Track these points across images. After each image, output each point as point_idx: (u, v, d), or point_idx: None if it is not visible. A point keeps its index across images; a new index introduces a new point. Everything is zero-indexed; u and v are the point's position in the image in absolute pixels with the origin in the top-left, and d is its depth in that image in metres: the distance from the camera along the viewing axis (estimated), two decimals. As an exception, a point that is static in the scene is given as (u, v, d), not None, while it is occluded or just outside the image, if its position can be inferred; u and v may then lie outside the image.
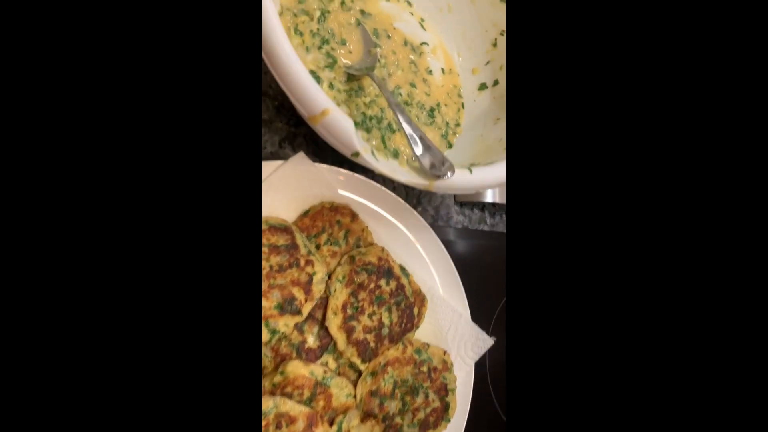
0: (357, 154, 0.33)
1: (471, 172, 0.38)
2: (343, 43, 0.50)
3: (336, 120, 0.32)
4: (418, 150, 0.37)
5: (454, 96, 0.58)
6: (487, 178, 0.38)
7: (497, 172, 0.39)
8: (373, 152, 0.35)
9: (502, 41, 0.56)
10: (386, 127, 0.50)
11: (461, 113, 0.58)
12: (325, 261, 0.43)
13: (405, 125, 0.38)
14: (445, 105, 0.57)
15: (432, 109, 0.55)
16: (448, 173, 0.35)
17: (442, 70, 0.58)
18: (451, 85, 0.59)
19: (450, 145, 0.55)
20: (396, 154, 0.50)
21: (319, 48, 0.47)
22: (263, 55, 0.32)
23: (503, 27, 0.56)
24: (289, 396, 0.37)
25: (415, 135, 0.38)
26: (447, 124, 0.56)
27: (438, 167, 0.36)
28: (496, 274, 0.58)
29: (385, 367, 0.42)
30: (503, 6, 0.54)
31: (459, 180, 0.37)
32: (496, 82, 0.57)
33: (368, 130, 0.48)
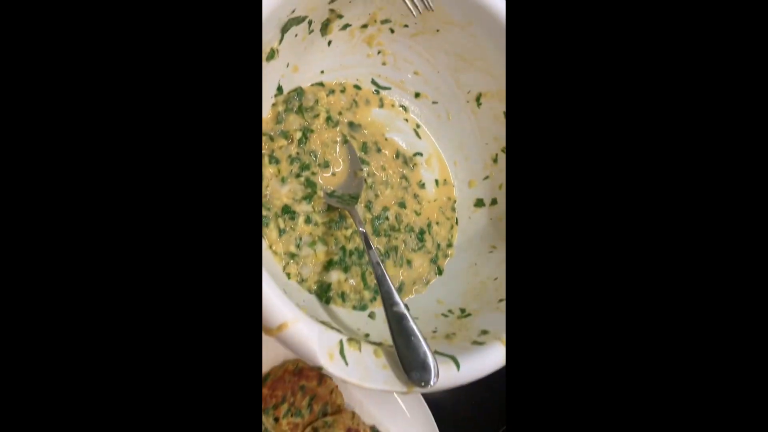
0: (320, 368, 0.28)
1: (458, 368, 0.32)
2: (326, 165, 0.44)
3: (295, 336, 0.26)
4: (400, 342, 0.31)
5: (447, 210, 0.53)
6: (477, 371, 0.33)
7: (491, 359, 0.33)
8: (342, 351, 0.30)
9: (502, 159, 0.52)
10: (367, 263, 0.44)
11: (454, 231, 0.53)
12: (284, 437, 0.37)
13: (388, 303, 0.33)
14: (437, 223, 0.51)
15: (422, 231, 0.49)
16: (432, 381, 0.30)
17: (436, 181, 0.53)
18: (445, 197, 0.54)
19: (440, 271, 0.50)
20: (377, 292, 0.44)
21: (298, 176, 0.42)
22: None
23: (504, 144, 0.51)
24: None
25: (398, 313, 0.33)
26: (438, 246, 0.50)
27: (419, 371, 0.30)
28: (486, 413, 0.52)
29: None
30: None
31: (444, 382, 0.31)
32: (494, 201, 0.52)
33: (346, 269, 0.42)
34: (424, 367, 0.31)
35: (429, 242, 0.50)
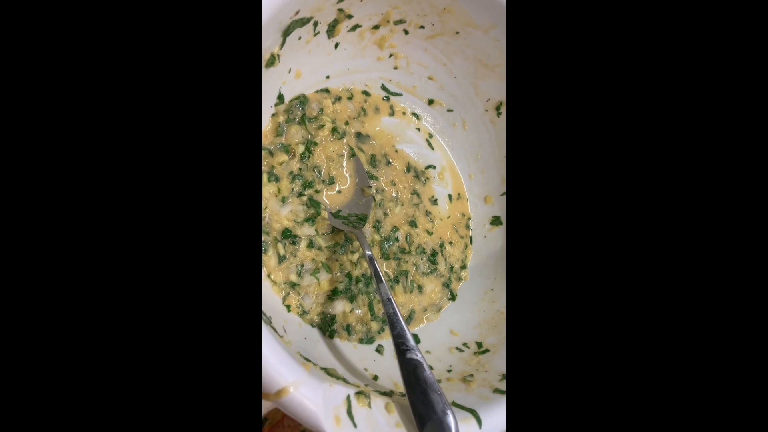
0: (325, 436, 0.24)
1: (480, 424, 0.28)
2: (331, 182, 0.40)
3: (296, 402, 0.23)
4: (415, 396, 0.28)
5: (461, 228, 0.49)
6: (501, 428, 0.29)
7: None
8: (350, 411, 0.26)
9: (523, 173, 0.47)
10: (375, 291, 0.40)
11: (468, 251, 0.49)
12: (283, 489, 0.33)
13: (401, 349, 0.29)
14: (450, 243, 0.47)
15: (434, 253, 0.45)
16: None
17: (450, 197, 0.49)
18: (458, 214, 0.50)
19: (453, 296, 0.46)
20: (385, 323, 0.40)
21: (300, 195, 0.38)
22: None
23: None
24: None
25: (412, 361, 0.29)
26: (451, 268, 0.47)
27: (437, 430, 0.26)
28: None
29: None
30: (528, 135, 0.45)
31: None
32: (512, 220, 0.48)
33: (352, 299, 0.38)
34: (442, 426, 0.27)
35: (441, 264, 0.46)
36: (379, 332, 0.40)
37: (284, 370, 0.23)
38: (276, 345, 0.23)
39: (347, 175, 0.41)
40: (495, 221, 0.50)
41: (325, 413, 0.24)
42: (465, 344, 0.40)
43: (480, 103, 0.47)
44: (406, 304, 0.42)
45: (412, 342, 0.30)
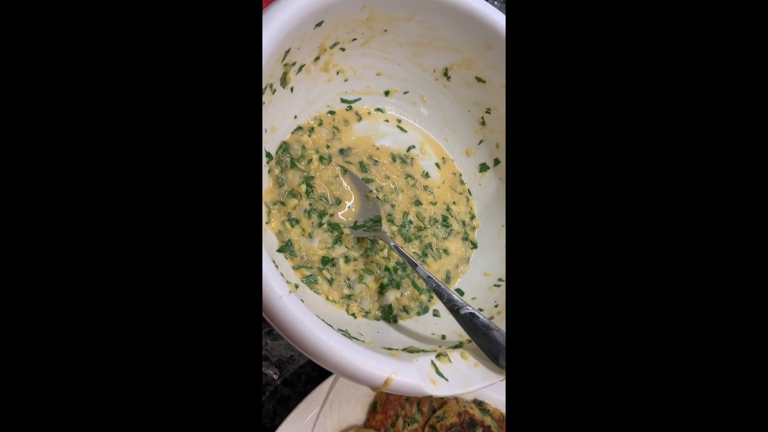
0: (430, 396, 0.31)
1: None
2: (339, 202, 0.46)
3: (400, 383, 0.30)
4: (479, 339, 0.35)
5: (457, 185, 0.55)
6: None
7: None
8: (438, 371, 0.33)
9: (489, 119, 0.52)
10: (412, 270, 0.47)
11: (472, 202, 0.55)
12: (411, 444, 0.42)
13: (455, 309, 0.36)
14: (454, 203, 0.53)
15: (445, 218, 0.52)
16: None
17: (437, 164, 0.54)
18: (450, 174, 0.55)
19: (474, 245, 0.52)
20: (430, 290, 0.47)
21: (320, 225, 0.43)
22: (299, 348, 0.29)
23: (487, 105, 0.51)
24: None
25: (466, 315, 0.36)
26: (463, 223, 0.53)
27: (502, 355, 0.34)
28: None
29: None
30: (481, 85, 0.50)
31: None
32: (497, 162, 0.54)
33: (398, 286, 0.45)
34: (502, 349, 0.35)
35: (454, 224, 0.52)
36: (429, 300, 0.47)
37: (381, 365, 0.30)
38: (364, 349, 0.30)
39: (349, 189, 0.47)
40: (482, 168, 0.56)
41: (422, 382, 0.31)
42: (500, 279, 0.48)
43: (428, 76, 0.51)
44: (440, 269, 0.49)
45: (460, 300, 0.37)
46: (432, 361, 0.34)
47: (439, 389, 0.32)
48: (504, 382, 0.48)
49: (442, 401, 0.45)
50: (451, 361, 0.35)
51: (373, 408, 0.42)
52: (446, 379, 0.33)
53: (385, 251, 0.46)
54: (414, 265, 0.40)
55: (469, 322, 0.36)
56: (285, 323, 0.28)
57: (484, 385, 0.34)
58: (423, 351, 0.36)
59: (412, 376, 0.31)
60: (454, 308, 0.37)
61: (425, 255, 0.49)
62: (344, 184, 0.47)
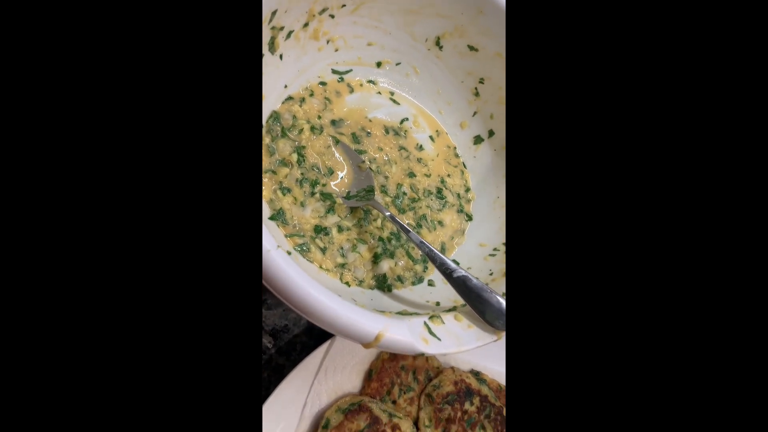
0: (422, 353, 0.31)
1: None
2: (331, 172, 0.45)
3: (391, 339, 0.29)
4: (473, 301, 0.34)
5: (452, 159, 0.54)
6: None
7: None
8: (431, 331, 0.33)
9: (483, 89, 0.52)
10: (406, 240, 0.46)
11: (466, 175, 0.54)
12: (406, 412, 0.42)
13: (447, 273, 0.36)
14: (448, 175, 0.53)
15: (439, 190, 0.51)
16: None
17: (431, 137, 0.54)
18: (444, 147, 0.55)
19: (470, 217, 0.52)
20: (425, 261, 0.47)
21: (312, 194, 0.43)
22: (286, 302, 0.29)
23: (480, 75, 0.51)
24: None
25: (459, 278, 0.35)
26: (458, 195, 0.52)
27: (500, 317, 0.34)
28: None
29: (501, 485, 0.42)
30: (474, 53, 0.49)
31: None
32: (491, 133, 0.53)
33: (392, 255, 0.45)
34: (502, 312, 0.34)
35: (449, 196, 0.52)
36: (424, 271, 0.47)
37: (372, 321, 0.29)
38: (356, 307, 0.30)
39: (341, 160, 0.46)
40: (477, 140, 0.55)
41: (414, 340, 0.31)
42: (495, 249, 0.47)
43: (420, 45, 0.51)
44: (435, 241, 0.49)
45: (453, 265, 0.37)
46: (425, 322, 0.33)
47: (431, 348, 0.31)
48: (502, 353, 0.48)
49: (438, 370, 0.44)
50: (444, 323, 0.34)
51: (369, 376, 0.42)
52: (439, 339, 0.33)
53: (379, 221, 0.46)
54: (407, 231, 0.39)
55: (462, 285, 0.36)
56: (273, 277, 0.28)
57: (477, 345, 0.33)
58: (416, 314, 0.36)
59: (404, 334, 0.30)
60: (447, 272, 0.37)
61: (420, 226, 0.48)
62: (336, 154, 0.46)
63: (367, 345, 0.29)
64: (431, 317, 0.34)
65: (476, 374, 0.46)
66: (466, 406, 0.43)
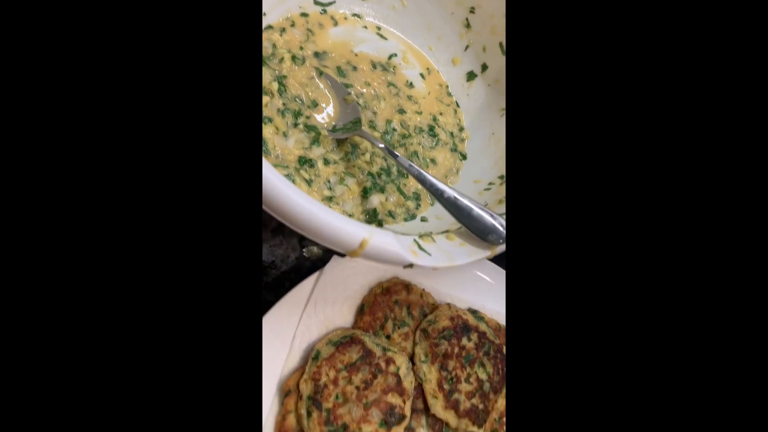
0: (411, 265, 0.29)
1: (525, 215, 0.34)
2: (315, 104, 0.43)
3: (377, 246, 0.28)
4: (464, 218, 0.33)
5: (444, 97, 0.52)
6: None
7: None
8: (421, 247, 0.31)
9: (474, 20, 0.49)
10: (397, 176, 0.44)
11: (460, 114, 0.52)
12: (401, 347, 0.40)
13: (438, 194, 0.34)
14: (440, 114, 0.51)
15: (431, 127, 0.49)
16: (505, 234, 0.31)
17: (421, 75, 0.51)
18: (436, 86, 0.52)
19: (464, 156, 0.50)
20: (417, 197, 0.45)
21: (295, 125, 0.41)
22: (267, 209, 0.27)
23: (470, 3, 0.48)
24: (432, 502, 0.36)
25: (450, 197, 0.34)
26: (451, 134, 0.50)
27: (493, 232, 0.32)
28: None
29: (501, 420, 0.41)
30: (463, -20, 0.47)
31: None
32: (485, 67, 0.51)
33: (382, 190, 0.43)
34: (495, 228, 0.32)
35: (442, 134, 0.50)
36: (417, 208, 0.45)
37: (356, 228, 0.27)
38: (342, 215, 0.28)
39: (326, 92, 0.44)
40: (470, 76, 0.53)
41: (402, 250, 0.29)
42: (490, 183, 0.45)
43: (407, -28, 0.48)
44: (428, 179, 0.47)
45: (442, 185, 0.35)
46: (415, 239, 0.32)
47: (420, 259, 0.29)
48: (501, 293, 0.46)
49: (434, 307, 0.43)
50: (435, 241, 0.32)
51: (361, 311, 0.40)
52: (429, 254, 0.31)
53: (368, 155, 0.44)
54: (394, 156, 0.37)
55: (453, 204, 0.34)
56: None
57: (469, 260, 0.32)
58: (406, 235, 0.34)
59: (391, 243, 0.29)
60: (437, 192, 0.35)
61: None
62: (321, 86, 0.44)
63: (352, 253, 0.28)
64: (422, 236, 0.32)
65: (474, 312, 0.44)
66: (464, 341, 0.41)
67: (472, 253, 0.32)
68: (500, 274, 0.46)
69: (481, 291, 0.45)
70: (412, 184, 0.45)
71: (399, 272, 0.43)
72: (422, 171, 0.36)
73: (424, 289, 0.43)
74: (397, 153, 0.37)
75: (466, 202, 0.34)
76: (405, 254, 0.29)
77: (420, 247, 0.31)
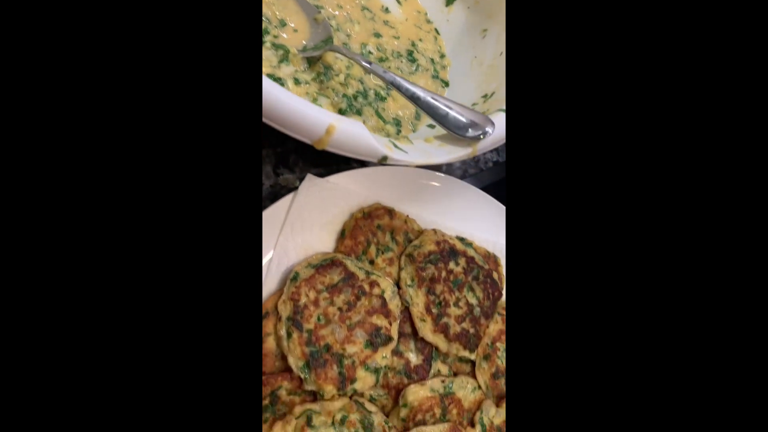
0: (385, 158, 0.27)
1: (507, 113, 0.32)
2: (283, 24, 0.40)
3: (345, 132, 0.25)
4: (441, 118, 0.30)
5: (423, 24, 0.49)
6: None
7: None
8: (395, 145, 0.29)
9: (451, -65, 0.46)
10: (375, 99, 0.42)
11: (440, 41, 0.50)
12: (386, 272, 0.38)
13: (414, 98, 0.32)
14: (420, 40, 0.48)
15: (410, 52, 0.46)
16: (489, 128, 0.29)
17: (398, 0, 0.49)
18: (414, 12, 0.50)
19: (446, 84, 0.48)
20: (398, 123, 0.43)
21: (262, 43, 0.38)
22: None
23: None
24: (423, 423, 0.34)
25: (426, 100, 0.31)
26: (432, 60, 0.48)
27: (473, 127, 0.30)
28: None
29: (494, 346, 0.39)
30: None
31: (501, 125, 0.30)
32: (463, -12, 0.48)
33: (359, 112, 0.41)
34: (475, 123, 0.30)
35: (422, 60, 0.47)
36: (397, 133, 0.42)
37: (321, 114, 0.25)
38: (306, 101, 0.25)
39: (294, 11, 0.41)
40: (449, 1, 0.50)
41: (377, 142, 0.27)
42: (473, 104, 0.43)
43: None
44: (408, 106, 0.45)
45: (417, 88, 0.32)
46: (390, 140, 0.29)
47: (395, 154, 0.27)
48: (491, 223, 0.44)
49: (419, 232, 0.41)
50: (412, 143, 0.30)
51: (342, 235, 0.38)
52: (405, 152, 0.29)
53: (342, 76, 0.41)
54: (368, 63, 0.35)
55: (428, 104, 0.32)
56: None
57: (448, 158, 0.30)
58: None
59: (361, 132, 0.26)
60: (413, 97, 0.32)
61: (390, 88, 0.44)
62: (286, 6, 0.41)
63: (318, 142, 0.25)
64: (399, 137, 0.30)
65: (462, 239, 0.42)
66: (451, 266, 0.39)
67: (452, 152, 0.30)
68: (489, 202, 0.44)
69: (469, 219, 0.43)
70: (392, 109, 0.43)
71: (381, 199, 0.41)
72: (397, 77, 0.33)
73: (408, 215, 0.41)
74: (370, 61, 0.35)
75: (443, 100, 0.32)
76: (378, 147, 0.27)
77: (396, 146, 0.29)
